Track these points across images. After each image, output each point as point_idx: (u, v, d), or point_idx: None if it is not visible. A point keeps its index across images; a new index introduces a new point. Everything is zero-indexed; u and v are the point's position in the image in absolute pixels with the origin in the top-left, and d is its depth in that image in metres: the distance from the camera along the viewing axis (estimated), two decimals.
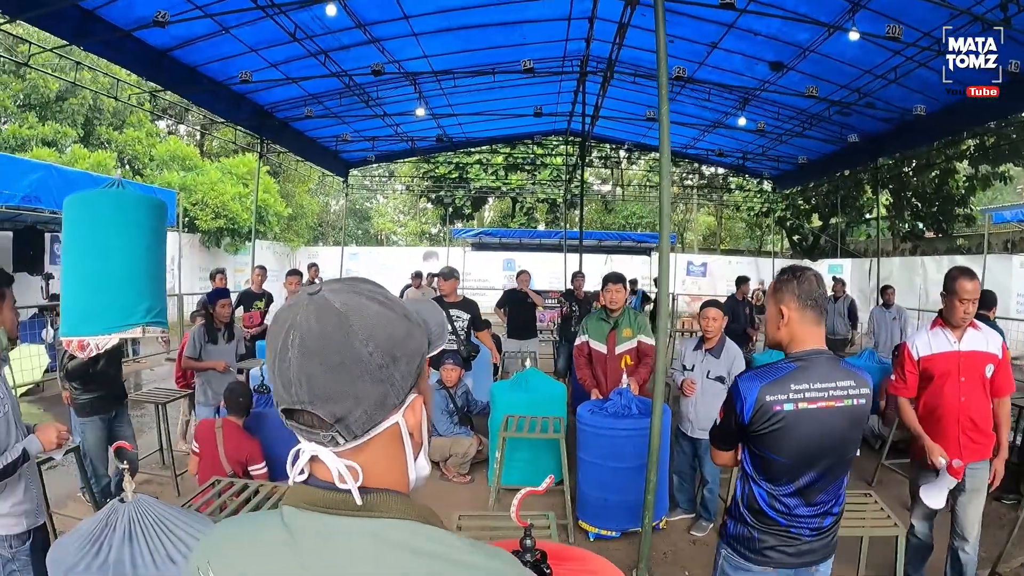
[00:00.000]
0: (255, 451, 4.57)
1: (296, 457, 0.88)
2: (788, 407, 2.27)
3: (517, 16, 9.36)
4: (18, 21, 7.71)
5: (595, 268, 18.24)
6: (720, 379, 5.03)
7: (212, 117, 14.00)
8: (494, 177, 26.27)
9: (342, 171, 16.91)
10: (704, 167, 25.65)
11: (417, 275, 13.37)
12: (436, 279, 6.78)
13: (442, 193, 27.08)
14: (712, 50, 9.95)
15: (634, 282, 12.95)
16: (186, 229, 18.78)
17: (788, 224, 26.66)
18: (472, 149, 20.71)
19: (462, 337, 6.70)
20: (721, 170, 23.67)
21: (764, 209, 25.76)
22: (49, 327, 10.13)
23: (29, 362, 9.24)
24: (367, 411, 0.83)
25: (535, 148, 22.83)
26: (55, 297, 12.16)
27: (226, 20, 8.17)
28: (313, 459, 0.87)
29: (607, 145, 22.99)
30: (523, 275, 9.62)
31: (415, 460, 0.92)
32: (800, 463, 2.32)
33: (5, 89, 20.20)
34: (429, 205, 33.14)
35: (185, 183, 19.80)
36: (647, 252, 23.46)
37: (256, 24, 8.35)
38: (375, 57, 9.59)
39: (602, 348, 5.61)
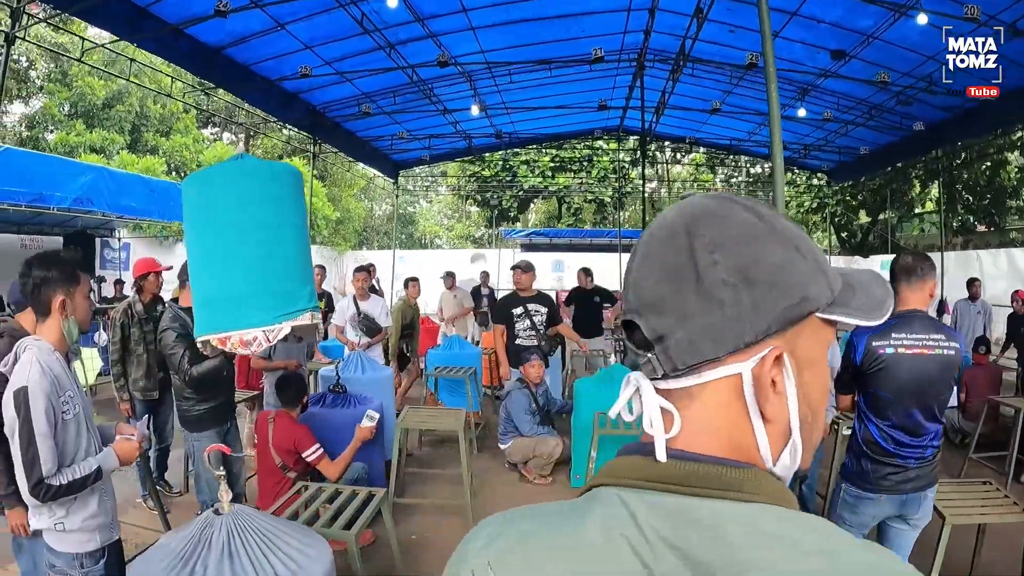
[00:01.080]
0: (303, 436, 4.25)
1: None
2: (889, 351, 2.88)
3: (577, 8, 9.20)
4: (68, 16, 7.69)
5: None
6: None
7: (266, 117, 13.97)
8: (541, 178, 26.10)
9: (392, 172, 16.82)
10: (749, 165, 25.21)
11: (449, 275, 11.88)
12: (514, 271, 6.62)
13: (489, 195, 26.99)
14: (773, 39, 9.60)
15: None
16: None
17: (836, 220, 26.08)
18: (519, 149, 20.58)
19: (541, 332, 6.51)
20: (768, 166, 23.15)
21: (814, 205, 25.23)
22: (101, 330, 10.07)
23: (81, 365, 9.18)
24: (691, 337, 0.63)
25: (584, 147, 22.62)
26: (105, 300, 12.19)
27: (281, 16, 8.11)
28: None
29: (652, 144, 22.70)
30: (583, 273, 9.42)
31: (771, 448, 0.65)
32: (901, 398, 2.89)
33: (53, 97, 20.43)
34: (474, 208, 33.04)
35: None
36: None
37: (311, 19, 8.31)
38: (432, 52, 9.49)
39: None
